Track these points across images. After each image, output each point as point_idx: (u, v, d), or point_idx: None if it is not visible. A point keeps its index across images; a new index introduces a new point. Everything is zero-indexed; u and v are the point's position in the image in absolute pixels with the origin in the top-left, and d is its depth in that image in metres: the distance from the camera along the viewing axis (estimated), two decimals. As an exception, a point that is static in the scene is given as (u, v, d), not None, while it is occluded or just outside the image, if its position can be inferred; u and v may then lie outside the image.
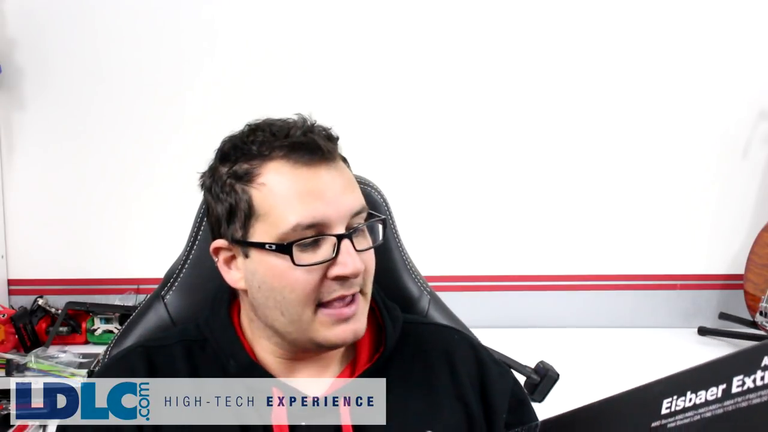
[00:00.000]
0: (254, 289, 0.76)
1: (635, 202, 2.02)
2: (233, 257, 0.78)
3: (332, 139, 0.76)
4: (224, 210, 0.75)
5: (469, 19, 1.92)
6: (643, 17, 1.94)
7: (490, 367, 0.86)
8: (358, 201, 0.75)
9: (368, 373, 0.79)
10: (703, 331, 1.98)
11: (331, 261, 0.72)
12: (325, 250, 0.72)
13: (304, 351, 0.79)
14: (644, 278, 2.05)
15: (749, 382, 0.48)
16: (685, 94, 1.98)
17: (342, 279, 0.72)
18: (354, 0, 1.91)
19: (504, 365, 0.91)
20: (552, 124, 1.98)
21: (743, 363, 0.49)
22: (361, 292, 0.76)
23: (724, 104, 1.99)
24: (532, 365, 1.55)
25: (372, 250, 0.77)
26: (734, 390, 0.49)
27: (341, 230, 0.73)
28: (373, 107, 1.91)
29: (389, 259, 0.97)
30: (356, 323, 0.75)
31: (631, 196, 2.02)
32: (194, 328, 0.84)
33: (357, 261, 0.72)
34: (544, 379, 1.51)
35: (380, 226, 0.78)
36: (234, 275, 0.78)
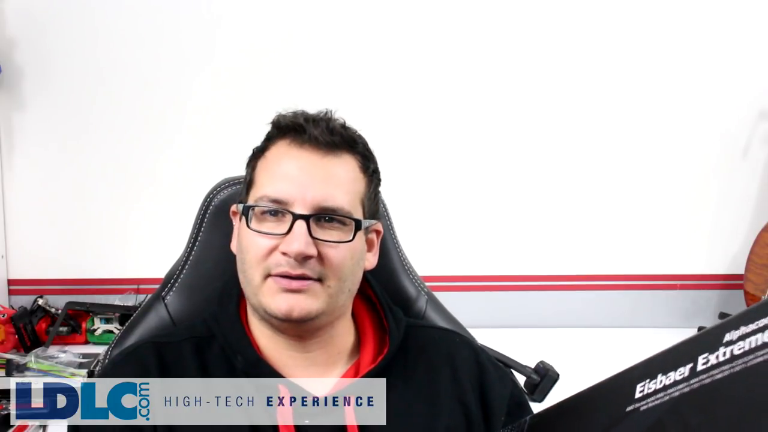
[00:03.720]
0: (237, 253, 0.81)
1: (635, 202, 2.03)
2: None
3: (337, 134, 0.79)
4: (245, 179, 0.84)
5: (466, 19, 1.92)
6: (643, 18, 1.94)
7: (490, 370, 0.87)
8: (329, 196, 0.76)
9: (372, 374, 0.80)
10: (703, 331, 1.98)
11: (282, 236, 0.75)
12: (283, 225, 0.76)
13: (276, 328, 0.80)
14: (644, 278, 2.06)
15: (713, 359, 0.50)
16: (685, 95, 1.98)
17: (288, 256, 0.74)
18: (354, 1, 1.91)
19: (503, 368, 0.92)
20: (551, 124, 1.98)
21: (707, 341, 0.51)
22: (320, 281, 0.76)
23: (724, 104, 1.99)
24: (532, 365, 1.55)
25: (343, 248, 0.77)
26: (699, 368, 0.51)
27: (304, 213, 0.75)
28: (372, 108, 1.91)
29: (387, 260, 0.97)
30: (300, 300, 0.75)
31: (631, 196, 2.02)
32: (201, 325, 0.84)
33: (303, 244, 0.74)
34: (544, 379, 1.51)
35: (354, 229, 0.78)
36: (234, 241, 0.83)
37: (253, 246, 0.77)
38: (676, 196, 2.03)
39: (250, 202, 0.79)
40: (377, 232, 0.86)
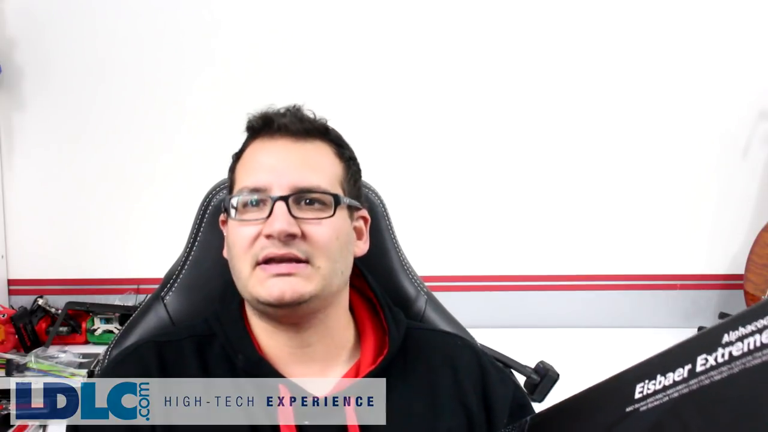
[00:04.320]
0: (227, 253, 0.82)
1: (635, 202, 2.03)
2: None
3: (306, 121, 0.81)
4: (227, 184, 0.85)
5: (466, 19, 1.92)
6: (643, 18, 1.94)
7: (492, 373, 0.87)
8: (306, 178, 0.77)
9: (372, 375, 0.79)
10: (703, 331, 1.98)
11: (264, 220, 0.76)
12: (265, 211, 0.76)
13: (271, 318, 0.80)
14: (644, 278, 2.05)
15: (711, 360, 0.50)
16: (686, 94, 1.98)
17: (272, 238, 0.74)
18: (353, 2, 1.91)
19: (504, 370, 0.92)
20: (551, 124, 1.98)
21: (706, 342, 0.51)
22: (309, 262, 0.76)
23: (724, 104, 1.99)
24: (532, 365, 1.55)
25: (326, 224, 0.77)
26: (698, 369, 0.51)
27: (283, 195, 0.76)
28: (371, 108, 1.92)
29: (386, 260, 0.97)
30: (290, 283, 0.75)
31: (631, 197, 2.02)
32: (202, 324, 0.85)
33: (284, 222, 0.74)
34: (544, 379, 1.51)
35: (334, 204, 0.78)
36: (226, 248, 0.83)
37: (238, 237, 0.77)
38: (676, 196, 2.03)
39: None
40: (365, 219, 0.87)
